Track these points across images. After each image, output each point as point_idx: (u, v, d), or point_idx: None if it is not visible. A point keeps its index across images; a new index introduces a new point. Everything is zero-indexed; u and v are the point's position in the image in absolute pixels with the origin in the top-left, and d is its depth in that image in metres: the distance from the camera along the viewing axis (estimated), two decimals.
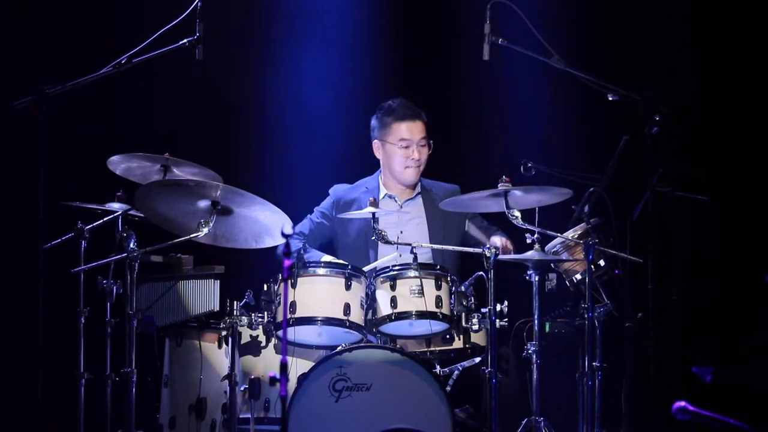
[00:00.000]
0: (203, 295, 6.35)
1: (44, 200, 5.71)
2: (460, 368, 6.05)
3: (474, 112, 7.53)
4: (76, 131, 7.08)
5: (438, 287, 5.84)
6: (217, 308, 6.30)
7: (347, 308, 5.80)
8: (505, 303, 5.82)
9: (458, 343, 6.00)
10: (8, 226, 6.83)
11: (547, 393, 5.94)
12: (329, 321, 5.80)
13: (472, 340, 5.98)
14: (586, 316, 5.88)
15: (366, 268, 6.04)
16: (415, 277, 5.83)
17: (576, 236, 6.04)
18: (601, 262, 6.10)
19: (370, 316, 5.90)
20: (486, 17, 5.90)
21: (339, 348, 5.80)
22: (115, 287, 5.92)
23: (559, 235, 6.02)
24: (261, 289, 5.91)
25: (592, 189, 6.18)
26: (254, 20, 7.54)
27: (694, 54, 7.19)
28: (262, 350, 6.06)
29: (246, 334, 6.04)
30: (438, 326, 5.88)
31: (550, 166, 6.28)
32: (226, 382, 5.85)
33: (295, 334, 5.83)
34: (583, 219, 6.01)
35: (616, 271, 6.13)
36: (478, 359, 6.03)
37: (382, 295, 5.86)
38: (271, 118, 7.55)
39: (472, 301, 5.91)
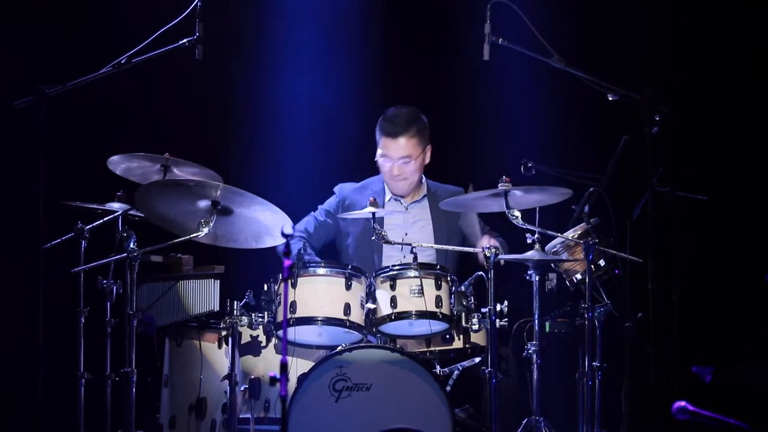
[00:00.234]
0: (203, 295, 6.35)
1: (44, 200, 5.71)
2: (460, 368, 6.05)
3: (474, 112, 7.52)
4: (76, 131, 7.08)
5: (438, 287, 5.84)
6: (217, 308, 6.30)
7: (347, 308, 5.80)
8: (505, 303, 5.82)
9: (458, 343, 6.00)
10: (8, 226, 6.83)
11: (547, 393, 5.94)
12: (329, 321, 5.80)
13: (472, 340, 5.97)
14: (586, 316, 5.88)
15: None
16: (415, 276, 5.83)
17: (576, 236, 6.04)
18: (601, 262, 6.10)
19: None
20: (486, 17, 5.90)
21: (339, 348, 5.80)
22: (115, 287, 5.92)
23: (559, 235, 6.02)
24: (261, 289, 5.90)
25: (592, 189, 6.18)
26: (254, 20, 7.54)
27: (693, 54, 7.19)
28: (262, 350, 6.06)
29: (246, 334, 6.04)
30: (438, 326, 5.88)
31: (550, 166, 6.28)
32: (226, 382, 5.85)
33: (296, 334, 5.83)
34: (583, 219, 6.01)
35: (616, 271, 6.13)
36: (478, 359, 6.03)
37: (382, 295, 5.86)
38: (272, 118, 7.55)
39: (472, 301, 5.91)
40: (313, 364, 5.79)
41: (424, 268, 5.86)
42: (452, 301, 5.87)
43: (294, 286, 5.81)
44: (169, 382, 6.28)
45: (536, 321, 5.88)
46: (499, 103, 7.43)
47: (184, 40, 5.86)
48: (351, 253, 6.63)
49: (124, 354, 5.77)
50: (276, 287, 5.88)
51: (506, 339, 6.23)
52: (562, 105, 7.28)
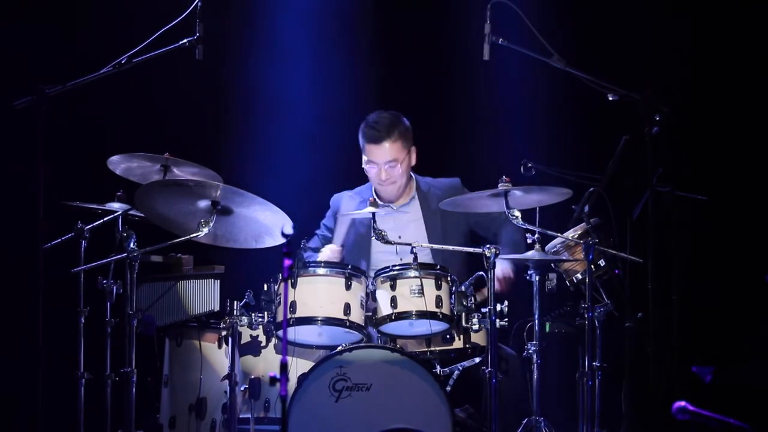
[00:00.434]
0: (203, 295, 6.35)
1: (44, 200, 5.71)
2: (460, 368, 6.04)
3: (474, 111, 7.52)
4: (76, 131, 7.08)
5: (438, 287, 5.84)
6: (217, 308, 6.30)
7: (347, 308, 5.80)
8: (505, 303, 5.82)
9: (458, 343, 5.99)
10: (8, 226, 6.83)
11: (547, 393, 5.94)
12: (329, 321, 5.80)
13: (472, 340, 5.97)
14: (586, 316, 5.88)
15: None
16: (415, 277, 5.83)
17: (576, 236, 6.04)
18: (601, 262, 6.10)
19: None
20: (486, 17, 5.90)
21: (339, 348, 5.80)
22: (115, 287, 5.92)
23: (559, 235, 6.02)
24: (261, 289, 5.90)
25: (592, 189, 6.18)
26: (254, 20, 7.54)
27: (693, 54, 7.19)
28: (262, 350, 6.06)
29: (246, 334, 6.04)
30: (438, 326, 5.88)
31: (550, 166, 6.28)
32: (226, 382, 5.85)
33: (296, 334, 5.83)
34: (583, 219, 6.01)
35: (616, 271, 6.13)
36: (478, 359, 6.03)
37: (382, 295, 5.86)
38: (272, 118, 7.55)
39: (472, 301, 5.91)
40: (313, 364, 5.79)
41: (425, 268, 5.86)
42: (452, 301, 5.87)
43: (294, 286, 5.81)
44: (169, 382, 6.28)
45: (536, 321, 5.88)
46: (498, 103, 7.43)
47: (184, 40, 5.86)
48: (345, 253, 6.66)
49: (124, 354, 5.77)
50: (276, 287, 5.88)
51: (506, 339, 6.23)
52: (562, 105, 7.28)
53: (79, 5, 7.26)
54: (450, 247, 6.18)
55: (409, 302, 5.82)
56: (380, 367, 5.74)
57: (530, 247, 5.86)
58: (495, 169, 5.93)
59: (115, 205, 6.11)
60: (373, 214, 5.91)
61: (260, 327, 5.92)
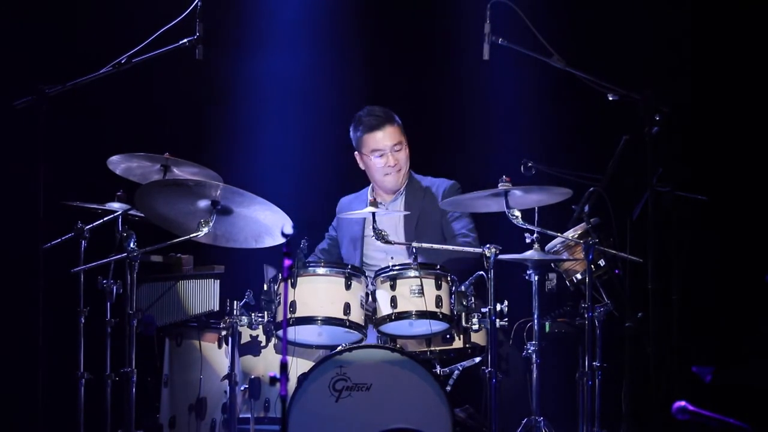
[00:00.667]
0: (203, 295, 6.35)
1: (44, 200, 5.71)
2: (460, 368, 6.04)
3: (474, 111, 7.52)
4: (76, 131, 7.08)
5: (438, 287, 5.84)
6: (217, 308, 6.30)
7: (347, 308, 5.80)
8: (505, 303, 5.82)
9: (458, 343, 5.99)
10: (8, 226, 6.83)
11: (547, 393, 5.94)
12: (329, 321, 5.80)
13: (472, 340, 5.97)
14: (586, 316, 5.88)
15: None
16: (415, 276, 5.83)
17: (576, 236, 6.04)
18: (601, 262, 6.10)
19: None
20: (486, 17, 5.90)
21: (339, 348, 5.80)
22: (115, 287, 5.92)
23: (559, 235, 6.02)
24: (261, 289, 5.91)
25: (592, 189, 6.18)
26: (254, 20, 7.54)
27: (693, 54, 7.19)
28: (262, 350, 6.06)
29: (246, 334, 6.04)
30: (438, 326, 5.88)
31: (550, 166, 6.28)
32: (226, 382, 5.85)
33: (295, 333, 5.83)
34: (583, 219, 6.01)
35: (616, 271, 6.13)
36: (478, 359, 6.03)
37: (382, 295, 5.86)
38: (272, 118, 7.55)
39: (472, 300, 5.91)
40: (313, 364, 5.79)
41: (424, 268, 5.86)
42: (452, 301, 5.87)
43: (294, 285, 5.81)
44: (169, 382, 6.28)
45: (536, 321, 5.88)
46: (498, 102, 7.43)
47: (184, 40, 5.86)
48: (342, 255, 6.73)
49: (124, 354, 5.77)
50: (276, 287, 5.88)
51: (506, 339, 6.23)
52: (562, 105, 7.28)
53: (79, 5, 7.26)
54: (450, 247, 6.18)
55: (409, 302, 5.82)
56: (380, 367, 5.74)
57: (530, 247, 5.86)
58: (495, 169, 5.93)
59: (115, 205, 6.10)
60: (373, 214, 5.91)
61: (260, 327, 5.92)
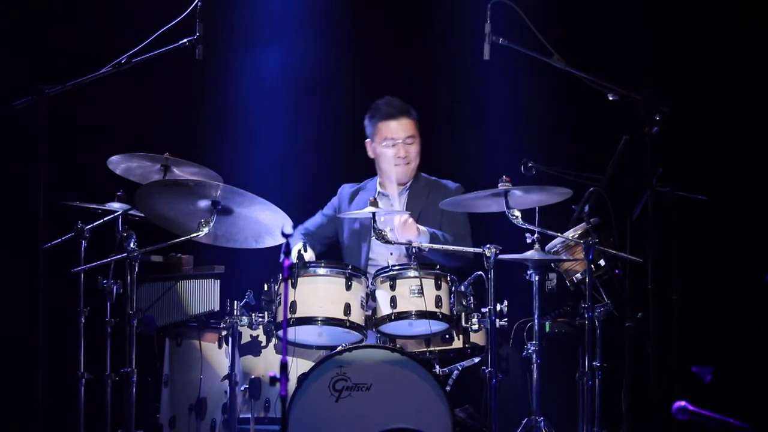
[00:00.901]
0: (203, 295, 6.35)
1: (44, 200, 5.71)
2: (460, 368, 6.04)
3: (474, 111, 7.52)
4: (76, 131, 7.08)
5: (438, 287, 5.84)
6: (217, 308, 6.30)
7: (347, 308, 5.80)
8: (505, 303, 5.82)
9: (458, 343, 5.99)
10: (8, 226, 6.83)
11: (547, 393, 5.94)
12: (329, 321, 5.80)
13: (471, 340, 5.97)
14: (586, 316, 5.88)
15: None
16: (415, 276, 5.83)
17: (576, 236, 6.04)
18: (601, 262, 6.11)
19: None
20: (486, 17, 5.90)
21: (339, 348, 5.80)
22: (115, 287, 5.92)
23: (559, 235, 6.02)
24: (261, 289, 5.90)
25: (592, 189, 6.18)
26: (254, 20, 7.54)
27: (694, 53, 7.19)
28: (262, 350, 6.07)
29: (246, 334, 6.04)
30: (438, 326, 5.88)
31: (550, 166, 6.28)
32: (226, 382, 5.85)
33: (296, 334, 5.83)
34: (583, 219, 6.01)
35: (616, 271, 6.14)
36: (477, 359, 6.03)
37: (382, 295, 5.86)
38: (273, 117, 7.55)
39: (472, 300, 5.91)
40: (313, 364, 5.79)
41: (424, 268, 5.86)
42: (452, 301, 5.87)
43: (294, 286, 5.81)
44: (169, 382, 6.28)
45: (536, 321, 5.88)
46: (498, 102, 7.43)
47: (184, 40, 5.86)
48: (344, 249, 6.68)
49: (124, 354, 5.77)
50: (276, 287, 5.88)
51: (506, 339, 6.23)
52: (562, 105, 7.28)
53: (79, 5, 7.26)
54: (451, 248, 6.18)
55: (408, 302, 5.82)
56: (380, 367, 5.74)
57: (530, 247, 5.86)
58: (495, 169, 5.93)
59: (115, 205, 6.10)
60: (374, 214, 5.91)
61: (260, 327, 5.92)
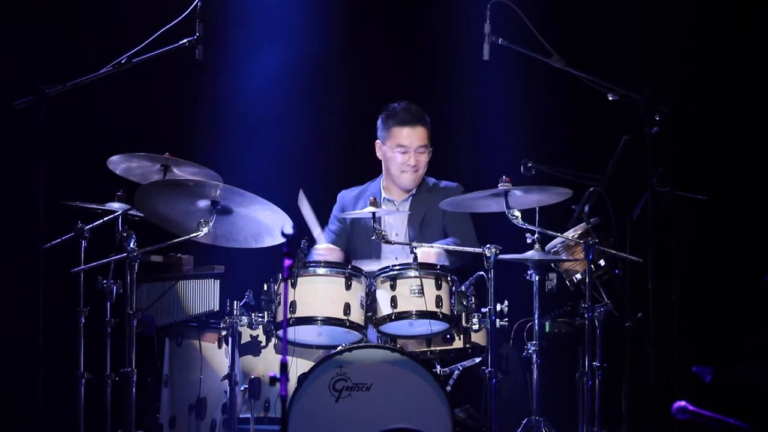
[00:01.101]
0: (203, 295, 6.35)
1: (44, 200, 5.71)
2: (460, 368, 6.04)
3: (474, 111, 7.52)
4: (76, 131, 7.08)
5: (438, 287, 5.84)
6: (217, 308, 6.30)
7: (347, 308, 5.80)
8: (505, 303, 5.82)
9: (458, 343, 5.99)
10: (8, 226, 6.83)
11: (547, 393, 5.94)
12: (329, 321, 5.80)
13: (472, 340, 5.97)
14: (586, 316, 5.88)
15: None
16: (416, 276, 5.83)
17: (576, 236, 6.04)
18: (601, 262, 6.10)
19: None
20: (486, 17, 5.90)
21: (339, 348, 5.80)
22: (115, 287, 5.92)
23: (559, 235, 6.02)
24: (261, 289, 5.90)
25: (592, 189, 6.18)
26: (254, 20, 7.54)
27: (694, 53, 7.19)
28: (262, 350, 6.06)
29: (246, 334, 6.04)
30: (438, 326, 5.88)
31: (550, 166, 6.28)
32: (226, 382, 5.85)
33: (295, 333, 5.83)
34: (583, 219, 6.01)
35: (616, 271, 6.13)
36: (478, 359, 6.03)
37: (382, 295, 5.86)
38: (273, 117, 7.55)
39: (472, 300, 5.90)
40: (313, 364, 5.79)
41: (425, 268, 5.86)
42: (452, 301, 5.86)
43: (294, 285, 5.81)
44: (169, 382, 6.28)
45: (536, 321, 5.88)
46: (498, 102, 7.43)
47: (184, 40, 5.86)
48: (355, 252, 6.66)
49: (124, 354, 5.77)
50: (276, 287, 5.88)
51: (506, 339, 6.23)
52: (562, 105, 7.28)
53: (79, 5, 7.26)
54: (451, 248, 6.18)
55: (409, 302, 5.82)
56: (380, 367, 5.74)
57: (530, 247, 5.86)
58: (495, 169, 5.92)
59: (115, 205, 6.10)
60: (374, 214, 5.90)
61: (260, 327, 5.92)
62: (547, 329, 6.30)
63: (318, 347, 5.97)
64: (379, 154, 6.72)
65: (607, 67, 6.12)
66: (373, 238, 5.95)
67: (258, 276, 5.98)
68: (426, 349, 6.04)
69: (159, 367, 6.31)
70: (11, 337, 6.82)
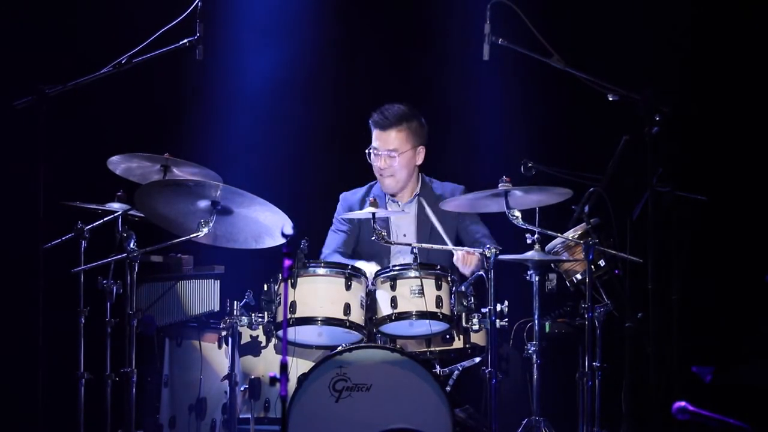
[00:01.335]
0: (203, 295, 6.35)
1: (44, 200, 5.72)
2: (460, 368, 6.05)
3: (474, 111, 7.53)
4: (76, 131, 7.08)
5: (438, 287, 5.84)
6: (217, 308, 6.30)
7: (347, 308, 5.80)
8: (505, 303, 5.82)
9: (458, 343, 6.00)
10: (8, 226, 6.83)
11: (547, 393, 5.94)
12: (329, 321, 5.80)
13: (472, 340, 5.97)
14: (586, 316, 5.88)
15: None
16: (416, 277, 5.83)
17: (576, 236, 6.04)
18: (601, 262, 6.11)
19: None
20: (486, 17, 5.90)
21: (339, 348, 5.80)
22: (115, 287, 5.92)
23: (559, 235, 6.02)
24: (261, 289, 5.90)
25: (592, 189, 6.18)
26: (254, 20, 7.54)
27: (694, 53, 7.19)
28: (262, 350, 6.06)
29: (246, 334, 6.04)
30: (438, 326, 5.88)
31: (550, 166, 6.28)
32: (226, 382, 5.85)
33: (296, 334, 5.83)
34: (583, 219, 6.01)
35: (616, 271, 6.14)
36: (478, 359, 6.03)
37: (383, 295, 5.86)
38: (273, 117, 7.55)
39: (472, 301, 5.90)
40: (313, 364, 5.79)
41: (425, 268, 5.86)
42: (452, 301, 5.86)
43: (294, 286, 5.81)
44: (169, 382, 6.28)
45: (536, 321, 5.88)
46: (499, 102, 7.43)
47: (185, 40, 5.86)
48: (363, 253, 6.64)
49: (124, 354, 5.77)
50: (276, 287, 5.88)
51: (506, 339, 6.23)
52: (562, 105, 7.28)
53: (79, 5, 7.26)
54: (451, 248, 6.18)
55: (409, 302, 5.82)
56: (380, 367, 5.74)
57: (530, 247, 5.86)
58: (495, 169, 5.92)
59: (115, 205, 6.11)
60: (373, 214, 5.90)
61: (260, 327, 5.92)
62: (547, 329, 6.30)
63: (318, 347, 5.97)
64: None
65: (607, 68, 6.11)
66: (373, 238, 5.95)
67: (258, 276, 5.99)
68: (426, 350, 6.05)
69: (159, 367, 6.31)
70: (11, 337, 6.82)
